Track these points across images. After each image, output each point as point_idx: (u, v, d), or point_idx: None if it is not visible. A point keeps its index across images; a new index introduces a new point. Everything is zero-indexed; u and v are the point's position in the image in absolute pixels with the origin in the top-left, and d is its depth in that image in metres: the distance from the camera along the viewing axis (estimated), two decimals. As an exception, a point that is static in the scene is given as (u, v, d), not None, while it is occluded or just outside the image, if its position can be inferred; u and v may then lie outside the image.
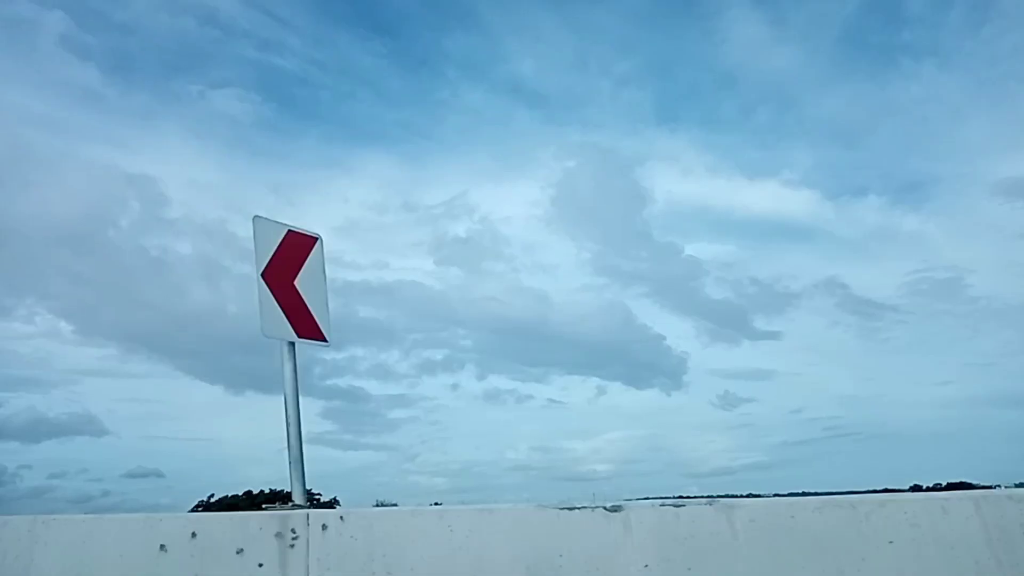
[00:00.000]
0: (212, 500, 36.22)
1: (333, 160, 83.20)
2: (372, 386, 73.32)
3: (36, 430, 60.55)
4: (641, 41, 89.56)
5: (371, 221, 77.99)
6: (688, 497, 5.03)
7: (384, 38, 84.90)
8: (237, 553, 3.70)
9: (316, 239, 5.06)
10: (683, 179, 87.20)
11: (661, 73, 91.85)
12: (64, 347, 65.47)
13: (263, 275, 4.77)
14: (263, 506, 4.07)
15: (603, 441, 74.37)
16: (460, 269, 77.57)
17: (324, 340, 4.92)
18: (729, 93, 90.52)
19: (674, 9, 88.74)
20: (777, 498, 4.40)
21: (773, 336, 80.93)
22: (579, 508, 3.97)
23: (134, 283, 65.62)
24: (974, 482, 26.70)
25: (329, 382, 69.66)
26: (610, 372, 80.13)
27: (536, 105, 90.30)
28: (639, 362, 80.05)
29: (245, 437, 66.15)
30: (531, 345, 78.25)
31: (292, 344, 4.72)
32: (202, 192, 72.23)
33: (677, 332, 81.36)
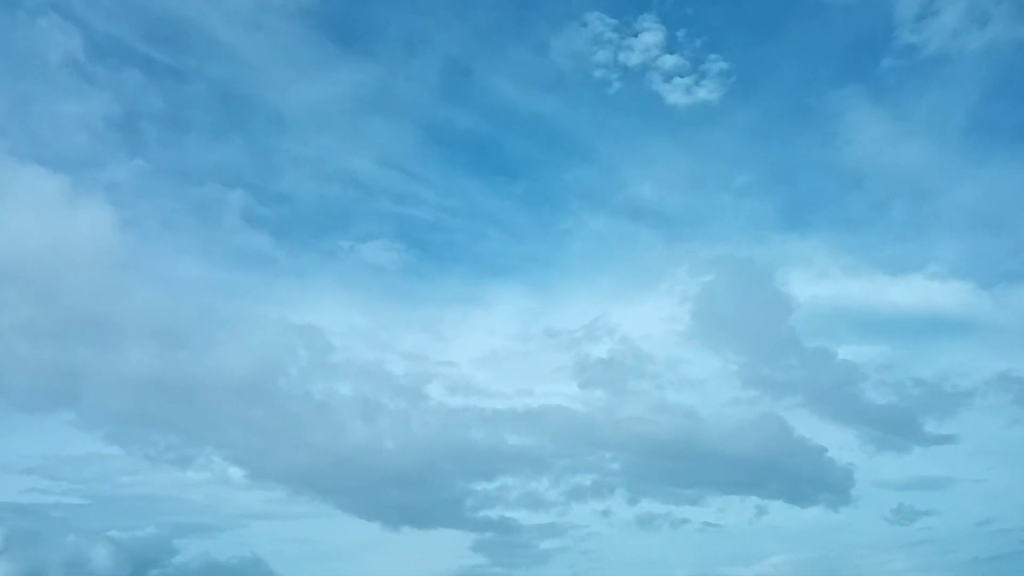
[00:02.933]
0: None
1: (471, 296, 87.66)
2: (523, 516, 72.46)
3: (210, 575, 64.44)
4: (758, 154, 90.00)
5: (513, 350, 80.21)
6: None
7: (508, 180, 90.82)
8: None
9: None
10: (820, 282, 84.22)
11: (783, 181, 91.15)
12: (235, 492, 70.10)
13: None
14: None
15: (768, 566, 69.34)
16: (604, 391, 77.38)
17: None
18: (858, 193, 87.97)
19: (790, 120, 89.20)
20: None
21: (947, 440, 74.12)
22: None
23: (300, 427, 69.90)
24: None
25: (481, 514, 69.88)
26: (770, 490, 75.22)
27: (658, 225, 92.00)
28: (800, 477, 75.22)
29: (402, 574, 67.43)
30: (683, 465, 75.61)
31: None
32: (359, 336, 77.95)
33: (839, 442, 75.76)
